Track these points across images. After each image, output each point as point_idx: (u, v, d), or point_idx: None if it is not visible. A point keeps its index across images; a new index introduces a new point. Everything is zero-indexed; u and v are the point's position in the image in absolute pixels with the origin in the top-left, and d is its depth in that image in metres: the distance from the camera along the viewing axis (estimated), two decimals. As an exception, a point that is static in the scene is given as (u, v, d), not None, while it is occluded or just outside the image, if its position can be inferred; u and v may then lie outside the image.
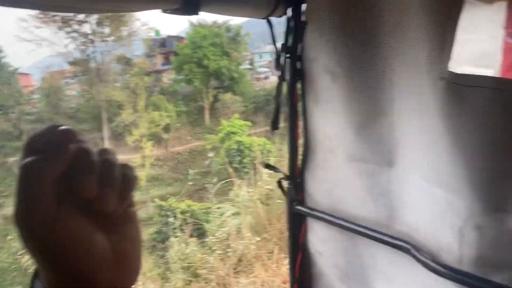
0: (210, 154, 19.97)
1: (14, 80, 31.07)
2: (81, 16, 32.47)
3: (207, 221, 5.68)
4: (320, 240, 1.36)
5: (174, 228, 6.33)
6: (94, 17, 31.86)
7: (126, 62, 32.41)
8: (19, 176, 0.35)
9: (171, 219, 7.97)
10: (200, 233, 5.61)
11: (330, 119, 1.20)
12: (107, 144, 32.70)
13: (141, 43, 35.69)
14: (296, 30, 1.20)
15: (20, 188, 0.35)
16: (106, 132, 32.73)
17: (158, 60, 37.43)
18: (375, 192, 1.15)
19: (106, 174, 0.37)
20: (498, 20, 1.45)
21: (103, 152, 0.39)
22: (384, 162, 1.11)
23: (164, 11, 1.04)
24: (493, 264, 0.88)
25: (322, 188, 1.30)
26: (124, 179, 0.38)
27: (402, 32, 0.96)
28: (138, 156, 29.36)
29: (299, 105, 1.27)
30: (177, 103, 32.60)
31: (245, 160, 23.02)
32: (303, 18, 1.18)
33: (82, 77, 33.13)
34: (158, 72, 35.35)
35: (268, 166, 1.44)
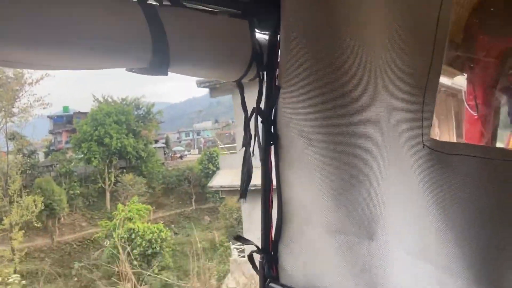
0: (106, 243, 17.73)
1: None
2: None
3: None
4: (296, 322, 1.20)
5: None
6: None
7: (15, 139, 29.22)
8: None
9: None
10: None
11: (305, 187, 1.14)
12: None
13: (43, 119, 33.16)
14: (269, 94, 1.17)
15: None
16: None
17: (64, 138, 34.81)
18: (356, 268, 1.07)
19: None
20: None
21: None
22: (364, 234, 1.05)
23: (130, 70, 0.96)
24: None
25: (297, 262, 1.18)
26: None
27: (379, 95, 0.94)
28: (7, 249, 24.53)
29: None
30: (72, 185, 29.56)
31: (135, 251, 19.93)
32: (277, 82, 1.16)
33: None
34: (61, 150, 32.57)
35: (238, 238, 1.28)
